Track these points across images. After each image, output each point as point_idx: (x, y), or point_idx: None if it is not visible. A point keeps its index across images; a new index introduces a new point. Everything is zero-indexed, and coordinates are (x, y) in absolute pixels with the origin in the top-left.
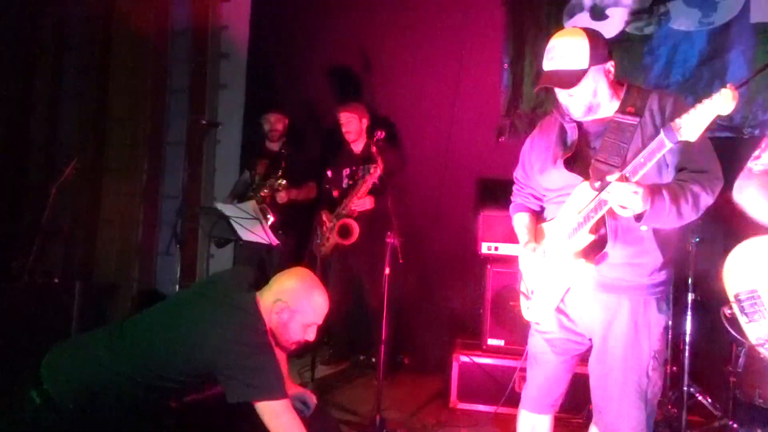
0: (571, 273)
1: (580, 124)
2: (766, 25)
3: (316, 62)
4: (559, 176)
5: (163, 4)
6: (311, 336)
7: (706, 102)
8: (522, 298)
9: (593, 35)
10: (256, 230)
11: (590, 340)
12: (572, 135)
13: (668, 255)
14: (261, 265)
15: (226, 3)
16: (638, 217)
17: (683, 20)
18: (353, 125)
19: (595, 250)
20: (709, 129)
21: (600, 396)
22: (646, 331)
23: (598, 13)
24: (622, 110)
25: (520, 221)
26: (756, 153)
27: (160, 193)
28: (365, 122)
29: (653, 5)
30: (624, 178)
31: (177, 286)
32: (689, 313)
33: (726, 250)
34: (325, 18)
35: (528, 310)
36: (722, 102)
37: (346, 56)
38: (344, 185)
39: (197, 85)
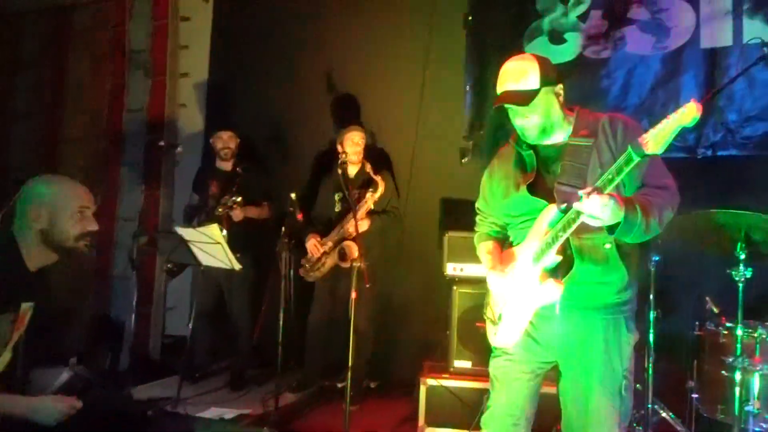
0: (540, 295)
1: (537, 151)
2: (715, 50)
3: (278, 82)
4: (522, 202)
5: (121, 23)
6: (91, 225)
7: (672, 116)
8: (488, 324)
9: (542, 60)
10: (217, 255)
11: (555, 361)
12: (531, 161)
13: (633, 273)
14: (220, 292)
15: (186, 23)
16: (611, 230)
17: (638, 45)
18: (361, 147)
19: (562, 271)
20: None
21: (574, 417)
22: (617, 350)
23: (556, 38)
24: (575, 134)
25: (485, 249)
26: None
27: (115, 215)
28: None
29: (609, 30)
30: (597, 190)
31: (134, 313)
32: (651, 330)
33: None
34: (288, 38)
35: (495, 336)
36: (687, 115)
37: (308, 76)
38: (336, 209)
39: (155, 104)
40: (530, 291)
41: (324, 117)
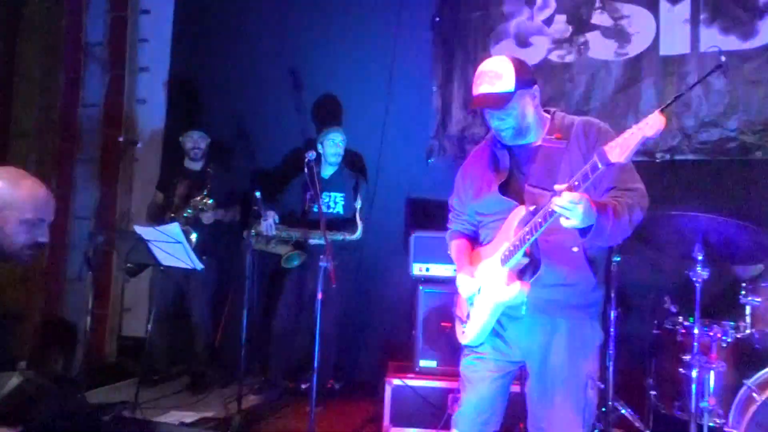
0: (507, 295)
1: (510, 151)
2: (673, 57)
3: (242, 79)
4: (493, 201)
5: (77, 14)
6: (43, 237)
7: (637, 126)
8: (457, 322)
9: (518, 62)
10: (178, 254)
11: (524, 361)
12: (504, 161)
13: (599, 275)
14: (179, 293)
15: (147, 16)
16: (583, 233)
17: (601, 50)
18: (341, 148)
19: (529, 272)
20: None
21: (540, 418)
22: (582, 351)
23: (522, 41)
24: (549, 136)
25: (456, 247)
26: None
27: (69, 214)
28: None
29: (573, 35)
30: (572, 188)
31: (88, 315)
32: (612, 329)
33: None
34: (253, 33)
35: (463, 334)
36: (651, 126)
37: (274, 75)
38: (305, 208)
39: (113, 99)
40: (498, 291)
41: (290, 115)
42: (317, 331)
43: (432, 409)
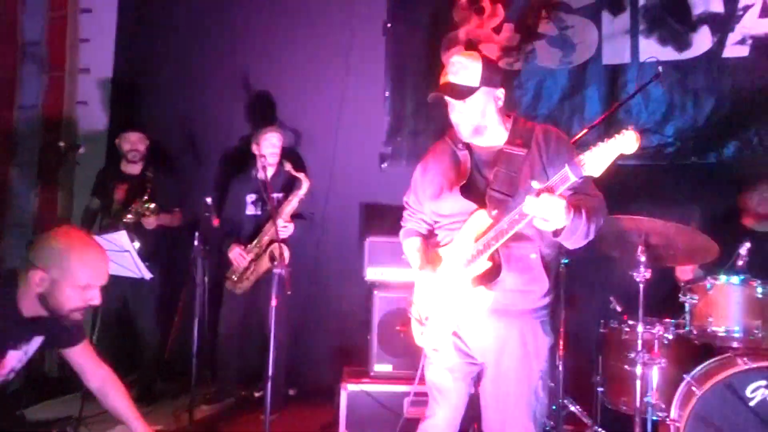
0: (469, 299)
1: (472, 152)
2: (615, 66)
3: (190, 80)
4: (454, 203)
5: (13, 12)
6: (95, 300)
7: (610, 141)
8: (415, 325)
9: (488, 61)
10: (125, 263)
11: (482, 362)
12: (465, 162)
13: (552, 280)
14: (124, 302)
15: (88, 15)
16: (556, 233)
17: (547, 58)
18: (278, 148)
19: (491, 277)
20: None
21: (493, 418)
22: (534, 353)
23: (472, 48)
24: (510, 141)
25: (413, 246)
26: None
27: (4, 222)
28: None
29: (521, 43)
30: (549, 190)
31: None
32: (562, 329)
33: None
34: (201, 33)
35: (422, 336)
36: (626, 142)
37: (223, 75)
38: (248, 212)
39: (52, 101)
40: (460, 295)
41: (239, 117)
42: (271, 338)
43: (388, 413)
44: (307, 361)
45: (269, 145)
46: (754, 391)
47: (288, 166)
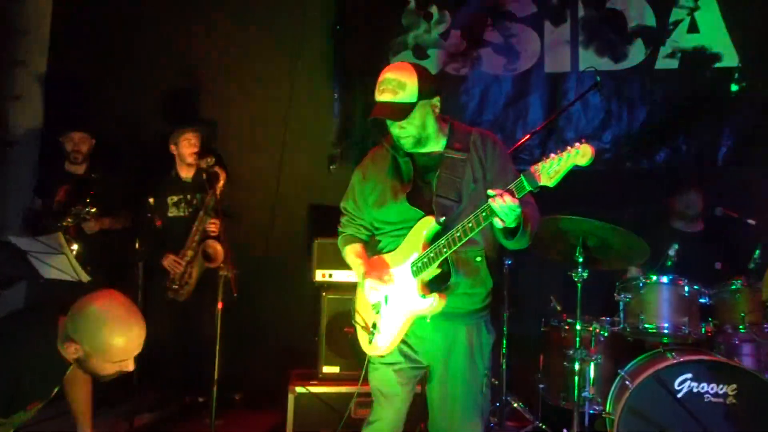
0: (420, 307)
1: (413, 159)
2: (557, 74)
3: (133, 76)
4: (399, 211)
5: None
6: (128, 367)
7: (565, 154)
8: (361, 333)
9: (422, 72)
10: (61, 266)
11: (428, 364)
12: (408, 170)
13: (494, 281)
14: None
15: (23, 5)
16: (511, 234)
17: (493, 65)
18: (197, 148)
19: (440, 284)
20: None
21: (441, 417)
22: (480, 352)
23: (420, 53)
24: (450, 146)
25: (353, 252)
26: None
27: None
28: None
29: (467, 49)
30: (512, 192)
31: None
32: (505, 329)
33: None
34: (146, 29)
35: (371, 344)
36: (582, 156)
37: (167, 75)
38: (170, 214)
39: None
40: (409, 302)
41: (184, 116)
42: (217, 342)
43: (336, 414)
44: (254, 365)
45: (188, 145)
46: (681, 383)
47: (204, 163)
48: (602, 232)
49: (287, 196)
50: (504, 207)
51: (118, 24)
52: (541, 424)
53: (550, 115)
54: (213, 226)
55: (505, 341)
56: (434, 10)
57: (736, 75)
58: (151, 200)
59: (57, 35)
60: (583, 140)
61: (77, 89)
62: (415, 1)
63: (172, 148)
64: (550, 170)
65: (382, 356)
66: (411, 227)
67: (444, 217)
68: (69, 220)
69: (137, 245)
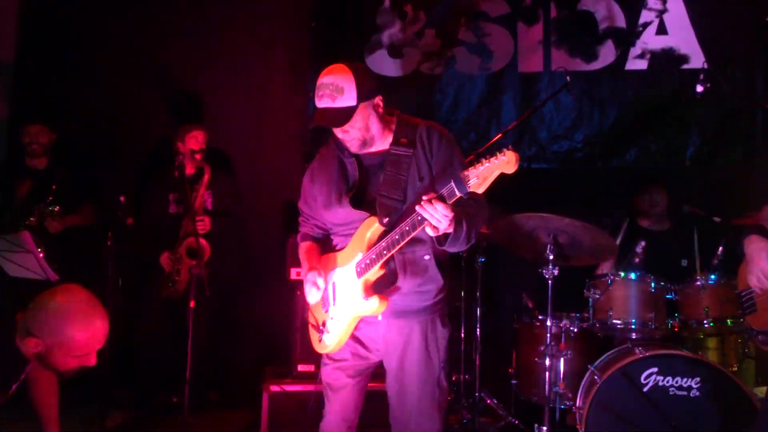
0: (365, 308)
1: (359, 159)
2: (530, 74)
3: (106, 71)
4: (344, 213)
5: None
6: (91, 361)
7: (492, 160)
8: (312, 331)
9: (360, 72)
10: (28, 264)
11: (381, 360)
12: (353, 171)
13: (446, 277)
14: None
15: None
16: (440, 242)
17: (466, 65)
18: (203, 145)
19: (386, 284)
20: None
21: (400, 411)
22: (434, 346)
23: (395, 51)
24: (396, 142)
25: (306, 250)
26: None
27: None
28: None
29: (442, 49)
30: (443, 198)
31: None
32: (479, 325)
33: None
34: (118, 23)
35: (321, 343)
36: (506, 162)
37: (141, 68)
38: (171, 210)
39: None
40: (354, 302)
41: (158, 112)
42: (189, 341)
43: (310, 412)
44: (230, 363)
45: (195, 142)
46: (647, 377)
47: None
48: (572, 230)
49: (263, 192)
50: (436, 214)
51: (88, 14)
52: (514, 420)
53: (523, 114)
54: (200, 224)
55: (479, 337)
56: (409, 9)
57: (704, 76)
58: (122, 198)
59: (26, 23)
60: (510, 147)
61: (46, 81)
62: (390, 0)
63: (179, 144)
64: (479, 177)
65: (329, 354)
66: (358, 227)
67: (387, 218)
68: (32, 219)
69: (108, 243)
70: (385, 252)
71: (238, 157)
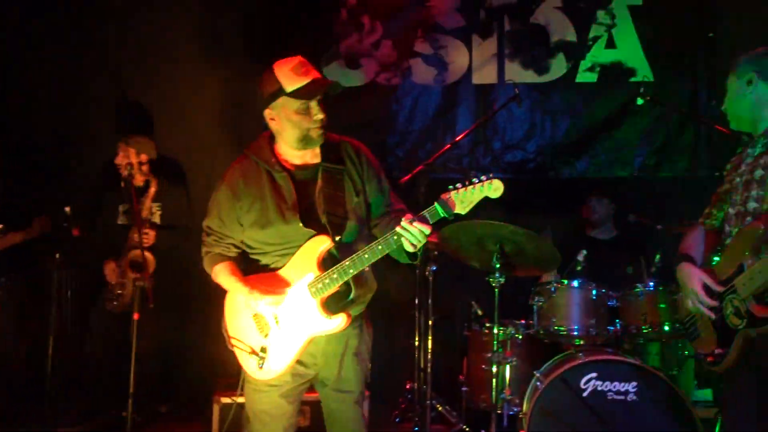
0: (325, 326)
1: (291, 174)
2: (484, 86)
3: (54, 81)
4: (287, 230)
5: None
6: None
7: (479, 186)
8: (244, 357)
9: (261, 79)
10: None
11: (316, 374)
12: (288, 186)
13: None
14: None
15: None
16: (413, 256)
17: (423, 76)
18: (150, 156)
19: (338, 300)
20: (439, 172)
21: (335, 419)
22: (366, 355)
23: (352, 62)
24: (326, 158)
25: (228, 270)
26: (706, 210)
27: None
28: (145, 157)
29: (398, 60)
30: (425, 219)
31: None
32: (430, 334)
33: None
34: (68, 32)
35: (261, 369)
36: (494, 189)
37: (90, 77)
38: (119, 222)
39: None
40: (311, 323)
41: (109, 122)
42: (132, 353)
43: None
44: (182, 376)
45: (141, 154)
46: (586, 382)
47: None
48: (517, 238)
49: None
50: (418, 235)
51: (43, 28)
52: (465, 426)
53: (472, 126)
54: (145, 236)
55: (430, 346)
56: (366, 20)
57: (644, 89)
58: (67, 209)
59: None
60: (491, 175)
61: None
62: (347, 10)
63: (124, 155)
64: (465, 200)
65: (271, 380)
66: (298, 246)
67: (339, 236)
68: None
69: (54, 255)
70: (351, 270)
71: (192, 169)
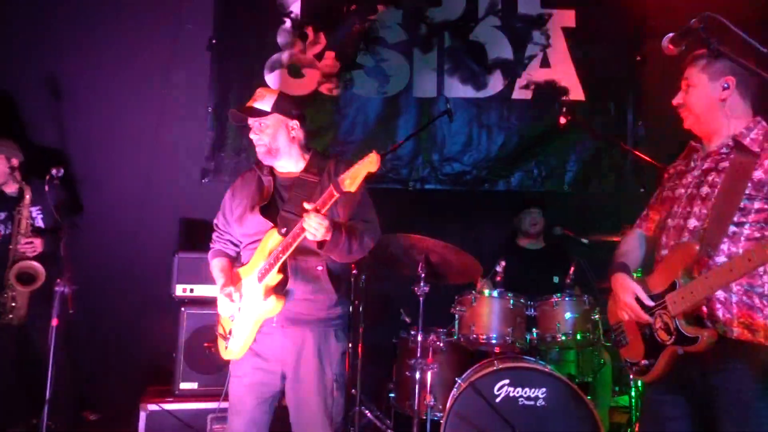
0: (263, 309)
1: (275, 179)
2: (424, 99)
3: None
4: (253, 222)
5: None
6: None
7: (360, 162)
8: (220, 340)
9: (284, 95)
10: None
11: (283, 376)
12: (268, 186)
13: (341, 292)
14: None
15: None
16: (320, 245)
17: (364, 87)
18: (12, 163)
19: (282, 288)
20: (379, 182)
21: (297, 417)
22: (328, 358)
23: (294, 72)
24: (306, 170)
25: (218, 266)
26: (644, 213)
27: None
28: (15, 161)
29: (341, 71)
30: (317, 210)
31: None
32: (361, 340)
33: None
34: (5, 30)
35: (227, 350)
36: (369, 163)
37: (28, 79)
38: (2, 232)
39: None
40: (255, 306)
41: (45, 126)
42: (50, 361)
43: (191, 431)
44: (111, 383)
45: (6, 159)
46: (500, 389)
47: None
48: (441, 250)
49: (155, 207)
50: (312, 223)
51: None
52: None
53: (417, 136)
54: (28, 246)
55: (360, 352)
56: (309, 31)
57: (566, 108)
58: None
59: None
60: (374, 151)
61: None
62: (291, 20)
63: None
64: (350, 178)
65: (237, 363)
66: (262, 239)
67: (285, 228)
68: None
69: None
70: (280, 255)
71: (132, 172)
